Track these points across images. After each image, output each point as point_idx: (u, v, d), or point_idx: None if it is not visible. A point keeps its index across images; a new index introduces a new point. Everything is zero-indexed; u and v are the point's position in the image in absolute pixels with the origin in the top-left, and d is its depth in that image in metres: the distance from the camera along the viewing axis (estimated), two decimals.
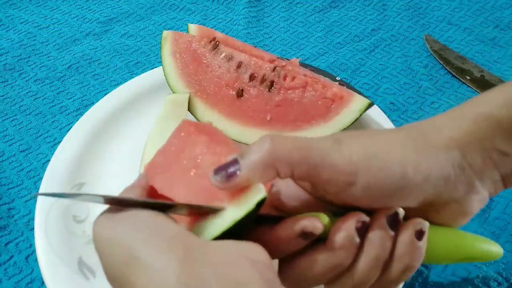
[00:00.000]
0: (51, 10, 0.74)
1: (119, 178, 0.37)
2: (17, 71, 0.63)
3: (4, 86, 0.61)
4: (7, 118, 0.57)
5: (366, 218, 0.28)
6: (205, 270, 0.23)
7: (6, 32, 0.69)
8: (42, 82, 0.61)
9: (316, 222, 0.27)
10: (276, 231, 0.28)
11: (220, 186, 0.27)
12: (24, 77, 0.62)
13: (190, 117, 0.50)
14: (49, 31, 0.70)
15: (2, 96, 0.59)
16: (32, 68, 0.63)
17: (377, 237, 0.28)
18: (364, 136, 0.29)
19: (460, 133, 0.29)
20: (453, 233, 0.31)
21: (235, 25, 0.70)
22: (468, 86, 0.59)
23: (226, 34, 0.60)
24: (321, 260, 0.28)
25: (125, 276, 0.24)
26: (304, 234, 0.27)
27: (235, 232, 0.27)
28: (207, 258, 0.24)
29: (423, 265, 0.31)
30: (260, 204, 0.26)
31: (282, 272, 0.30)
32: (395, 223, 0.28)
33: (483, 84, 0.59)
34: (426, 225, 0.28)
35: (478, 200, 0.30)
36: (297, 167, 0.27)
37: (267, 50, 0.61)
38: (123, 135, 0.50)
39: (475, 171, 0.29)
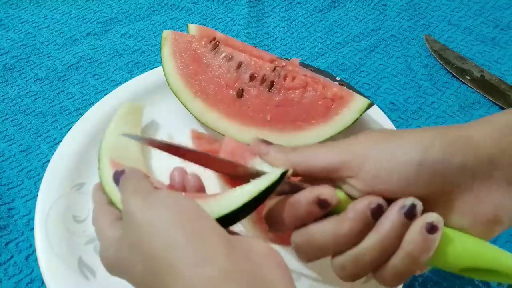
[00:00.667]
0: (51, 10, 0.74)
1: None
2: (17, 71, 0.63)
3: (4, 86, 0.61)
4: (7, 118, 0.57)
5: (383, 203, 0.29)
6: (245, 266, 0.25)
7: (6, 32, 0.69)
8: (42, 82, 0.61)
9: (332, 193, 0.30)
10: (295, 196, 0.31)
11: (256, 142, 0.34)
12: (24, 77, 0.62)
13: (147, 128, 0.51)
14: (49, 31, 0.70)
15: (2, 96, 0.59)
16: (32, 68, 0.63)
17: (389, 220, 0.29)
18: (375, 133, 0.32)
19: (472, 129, 0.30)
20: (475, 239, 0.30)
21: (235, 25, 0.70)
22: (468, 86, 0.59)
23: (226, 34, 0.60)
24: (331, 226, 0.30)
25: (166, 259, 0.25)
26: (320, 202, 0.30)
27: (258, 202, 0.30)
28: (245, 255, 0.26)
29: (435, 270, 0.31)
30: (283, 175, 0.31)
31: (293, 238, 0.32)
32: (410, 213, 0.29)
33: (483, 84, 0.59)
34: (439, 220, 0.28)
35: (508, 208, 0.29)
36: (296, 165, 0.32)
37: (267, 50, 0.61)
38: None
39: (494, 165, 0.29)
